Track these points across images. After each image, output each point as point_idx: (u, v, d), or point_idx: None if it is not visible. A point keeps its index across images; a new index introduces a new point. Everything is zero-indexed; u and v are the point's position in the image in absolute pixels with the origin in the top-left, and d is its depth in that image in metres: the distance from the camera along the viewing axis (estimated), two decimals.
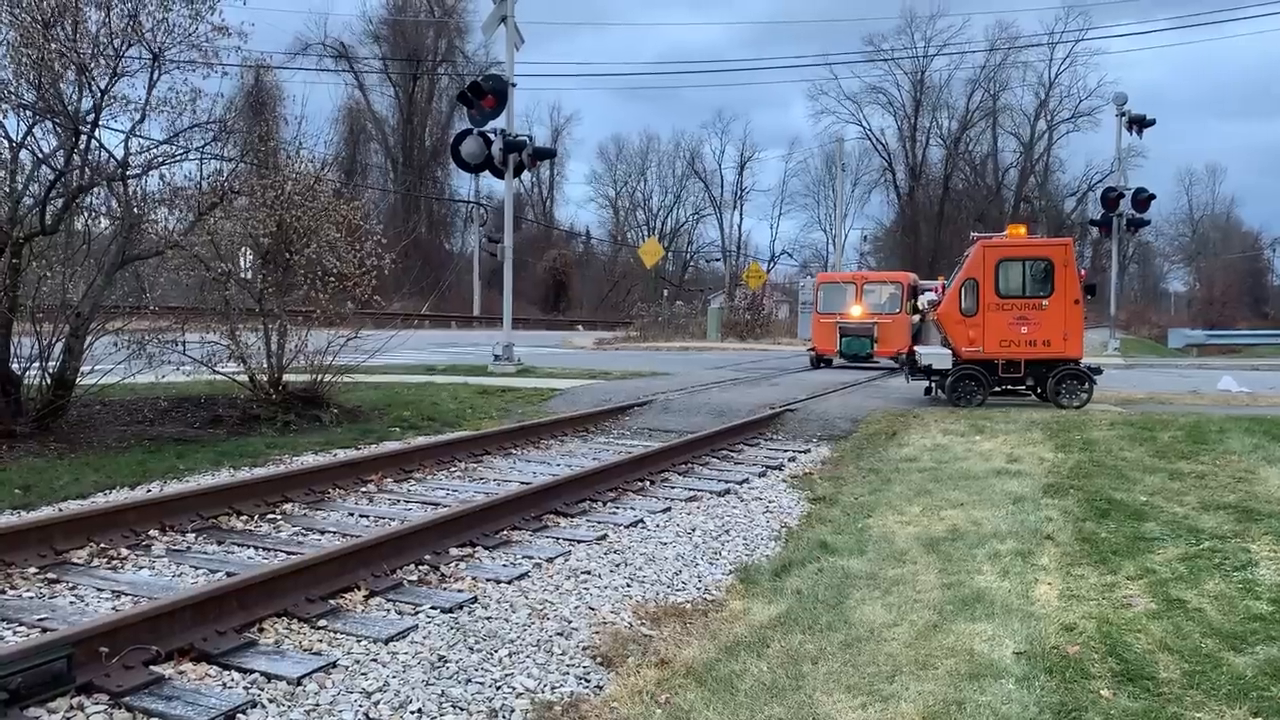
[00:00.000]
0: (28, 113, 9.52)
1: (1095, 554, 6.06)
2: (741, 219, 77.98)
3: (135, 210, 10.06)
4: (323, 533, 6.53)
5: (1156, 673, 4.19)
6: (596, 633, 4.78)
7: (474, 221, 56.05)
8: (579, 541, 6.47)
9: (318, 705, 3.85)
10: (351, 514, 7.10)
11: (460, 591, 5.32)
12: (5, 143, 9.48)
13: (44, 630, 4.45)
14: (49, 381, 9.55)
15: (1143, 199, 29.69)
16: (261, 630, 4.57)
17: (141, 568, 5.64)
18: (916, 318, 22.35)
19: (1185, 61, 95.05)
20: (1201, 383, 18.27)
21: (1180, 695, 3.97)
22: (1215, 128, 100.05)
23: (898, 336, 20.10)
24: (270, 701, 3.85)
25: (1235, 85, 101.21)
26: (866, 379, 18.94)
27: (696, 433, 10.75)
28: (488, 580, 5.54)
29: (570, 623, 4.92)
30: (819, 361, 22.13)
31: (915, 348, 14.73)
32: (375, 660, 4.32)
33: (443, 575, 5.59)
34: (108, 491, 7.56)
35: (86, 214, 10.57)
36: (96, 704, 3.73)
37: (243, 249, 11.76)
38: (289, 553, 5.87)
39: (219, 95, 10.63)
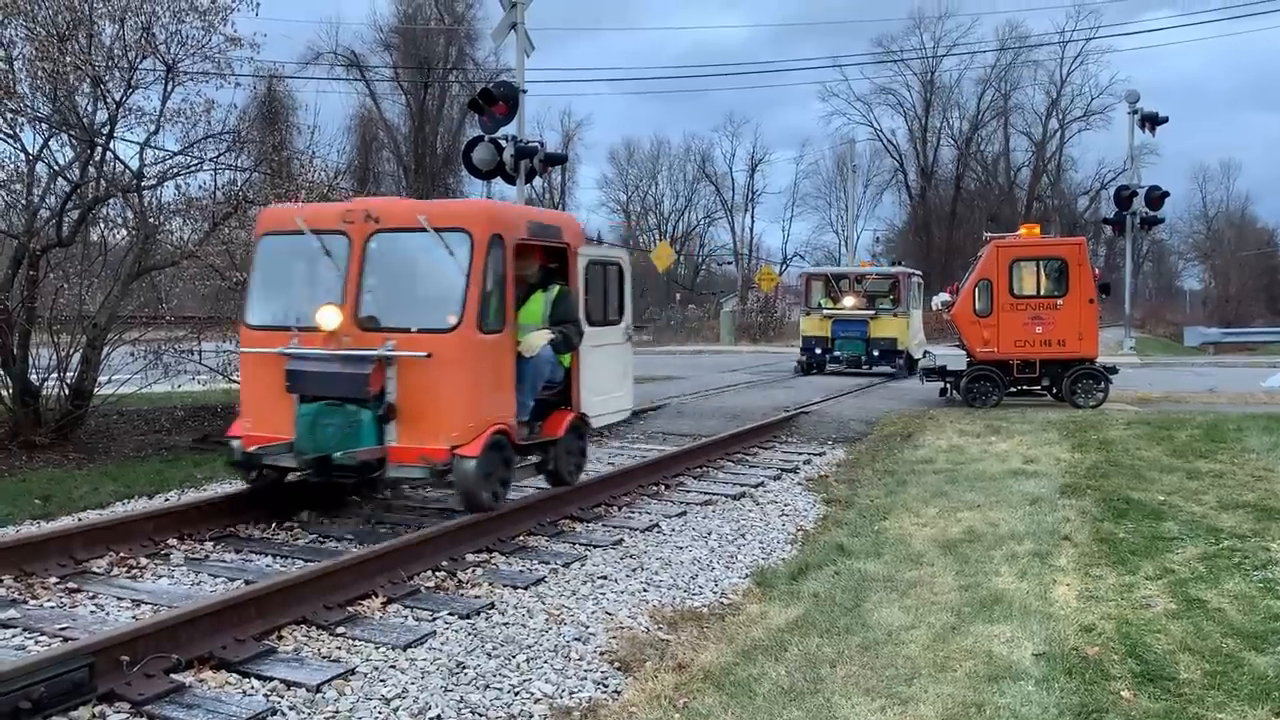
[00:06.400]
0: (44, 125, 9.63)
1: (1114, 554, 6.03)
2: (753, 221, 77.49)
3: (151, 221, 10.13)
4: (340, 539, 6.56)
5: (1177, 673, 4.17)
6: (614, 637, 4.78)
7: None
8: (595, 546, 6.47)
9: (337, 712, 3.86)
10: (369, 520, 7.12)
11: (478, 598, 5.33)
12: (22, 155, 9.57)
13: (65, 640, 4.48)
14: (67, 392, 9.63)
15: (1156, 197, 29.46)
16: (280, 638, 4.59)
17: (160, 576, 5.68)
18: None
19: (1196, 57, 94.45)
20: (1219, 381, 18.15)
21: (1201, 696, 3.94)
22: (1229, 123, 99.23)
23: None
24: (290, 709, 3.87)
25: (1249, 80, 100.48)
26: (880, 381, 18.82)
27: (711, 436, 10.73)
28: (505, 586, 5.55)
29: (587, 628, 4.92)
30: None
31: (929, 350, 14.70)
32: (394, 667, 4.33)
33: (460, 581, 5.60)
34: (126, 501, 7.60)
35: (102, 225, 10.67)
36: (118, 712, 3.76)
37: None
38: (306, 560, 5.90)
39: (232, 106, 10.75)
